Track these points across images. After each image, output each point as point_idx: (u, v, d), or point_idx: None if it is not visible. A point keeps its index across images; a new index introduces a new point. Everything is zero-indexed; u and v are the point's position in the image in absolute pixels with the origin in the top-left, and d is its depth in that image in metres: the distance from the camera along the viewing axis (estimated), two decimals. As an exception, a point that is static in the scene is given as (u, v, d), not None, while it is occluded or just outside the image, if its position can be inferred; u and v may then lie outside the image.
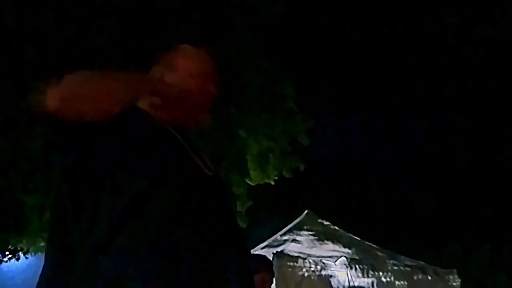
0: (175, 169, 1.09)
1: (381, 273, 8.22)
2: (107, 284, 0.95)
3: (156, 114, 1.22)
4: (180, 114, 1.26)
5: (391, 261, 8.65)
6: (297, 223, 9.83)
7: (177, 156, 1.14)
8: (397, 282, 8.29)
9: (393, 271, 8.35)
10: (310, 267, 7.75)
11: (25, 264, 9.50)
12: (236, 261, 1.07)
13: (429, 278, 8.53)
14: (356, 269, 8.01)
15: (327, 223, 9.97)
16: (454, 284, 8.82)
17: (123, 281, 0.95)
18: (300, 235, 9.23)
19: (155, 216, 1.01)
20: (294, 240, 8.96)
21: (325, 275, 7.84)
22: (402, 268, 8.52)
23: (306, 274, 7.69)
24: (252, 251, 8.24)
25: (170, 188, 1.06)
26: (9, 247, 7.88)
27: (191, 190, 1.09)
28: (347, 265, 7.97)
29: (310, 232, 9.31)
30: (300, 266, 7.68)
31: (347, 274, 7.90)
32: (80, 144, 1.06)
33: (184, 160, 1.15)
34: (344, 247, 8.94)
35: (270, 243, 9.37)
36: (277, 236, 9.64)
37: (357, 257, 8.49)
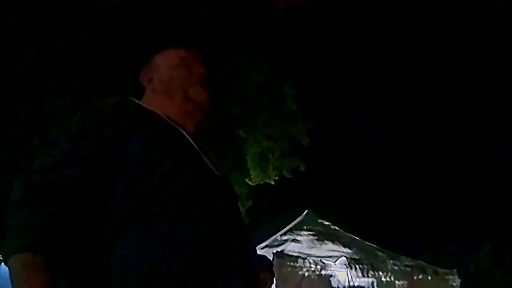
0: (185, 165, 1.11)
1: (381, 273, 8.23)
2: (126, 267, 0.97)
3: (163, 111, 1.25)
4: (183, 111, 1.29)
5: (391, 261, 8.66)
6: (297, 223, 9.85)
7: (187, 153, 1.16)
8: (397, 282, 8.30)
9: (393, 271, 8.36)
10: (310, 267, 7.76)
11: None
12: (241, 258, 1.08)
13: (429, 278, 8.53)
14: (356, 269, 8.01)
15: (327, 223, 9.98)
16: (454, 284, 8.82)
17: (142, 265, 0.97)
18: (300, 235, 9.24)
19: (165, 210, 1.03)
20: (294, 240, 8.97)
21: (325, 275, 7.84)
22: (402, 268, 8.53)
23: (306, 274, 7.69)
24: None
25: (181, 181, 1.07)
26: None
27: (200, 187, 1.10)
28: (347, 265, 7.98)
29: (310, 232, 9.33)
30: (300, 266, 7.69)
31: (347, 274, 7.91)
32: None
33: (194, 157, 1.17)
34: (344, 247, 8.95)
35: (270, 243, 9.38)
36: (277, 236, 9.66)
37: (357, 257, 8.50)
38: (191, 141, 1.21)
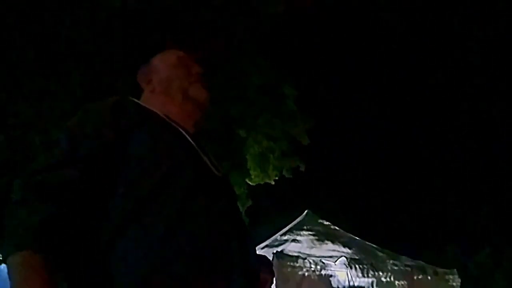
0: (185, 165, 1.11)
1: (381, 273, 8.22)
2: (126, 267, 0.98)
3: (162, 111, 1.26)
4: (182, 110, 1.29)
5: (391, 261, 8.65)
6: (297, 223, 9.83)
7: (187, 153, 1.17)
8: (397, 282, 8.29)
9: (393, 271, 8.35)
10: (310, 267, 7.75)
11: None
12: (241, 258, 1.08)
13: (429, 278, 8.52)
14: (356, 269, 8.01)
15: (327, 223, 9.97)
16: (454, 284, 8.82)
17: (142, 265, 0.97)
18: (300, 235, 9.23)
19: (165, 210, 1.03)
20: (294, 240, 8.96)
21: (325, 275, 7.84)
22: (402, 268, 8.52)
23: (306, 274, 7.68)
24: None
25: (181, 181, 1.07)
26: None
27: (200, 187, 1.10)
28: (347, 265, 7.97)
29: (310, 232, 9.31)
30: (300, 266, 7.68)
31: (347, 274, 7.90)
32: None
33: (194, 157, 1.17)
34: (344, 247, 8.93)
35: (270, 243, 9.37)
36: (277, 236, 9.64)
37: (357, 257, 8.49)
38: (191, 141, 1.21)
